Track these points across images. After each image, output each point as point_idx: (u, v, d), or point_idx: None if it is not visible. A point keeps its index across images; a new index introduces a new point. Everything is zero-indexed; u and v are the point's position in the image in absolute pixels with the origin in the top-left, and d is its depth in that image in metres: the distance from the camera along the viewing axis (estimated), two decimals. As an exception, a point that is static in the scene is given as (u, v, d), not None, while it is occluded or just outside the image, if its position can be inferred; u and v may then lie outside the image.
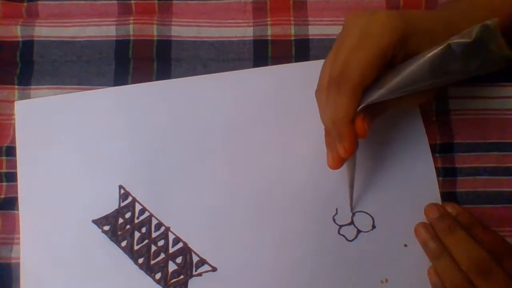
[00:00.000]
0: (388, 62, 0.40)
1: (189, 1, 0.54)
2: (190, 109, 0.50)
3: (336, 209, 0.48)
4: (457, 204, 0.46)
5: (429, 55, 0.38)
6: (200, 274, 0.47)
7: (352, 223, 0.48)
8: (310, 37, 0.53)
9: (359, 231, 0.47)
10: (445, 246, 0.43)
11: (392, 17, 0.39)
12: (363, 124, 0.40)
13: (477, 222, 0.44)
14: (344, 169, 0.44)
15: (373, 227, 0.47)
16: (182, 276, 0.47)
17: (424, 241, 0.45)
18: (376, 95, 0.39)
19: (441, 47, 0.37)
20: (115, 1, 0.54)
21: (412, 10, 0.46)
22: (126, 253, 0.47)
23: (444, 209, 0.45)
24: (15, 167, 0.50)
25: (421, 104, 0.50)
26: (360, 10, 0.41)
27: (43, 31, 0.53)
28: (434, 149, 0.50)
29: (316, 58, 0.52)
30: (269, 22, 0.53)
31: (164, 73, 0.52)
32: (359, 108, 0.39)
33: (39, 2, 0.54)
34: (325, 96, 0.41)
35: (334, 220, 0.48)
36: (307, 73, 0.51)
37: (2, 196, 0.50)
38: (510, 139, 0.50)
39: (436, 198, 0.48)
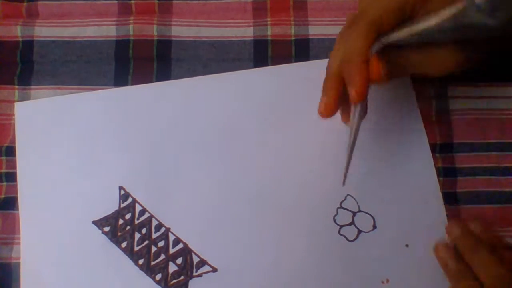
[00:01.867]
0: (407, 18, 0.39)
1: (189, 1, 0.54)
2: (190, 110, 0.50)
3: (337, 209, 0.48)
4: (480, 221, 0.45)
5: (451, 9, 0.37)
6: (200, 275, 0.47)
7: (352, 223, 0.48)
8: (310, 37, 0.53)
9: (359, 231, 0.47)
10: (467, 264, 0.42)
11: None
12: (378, 65, 0.38)
13: (500, 241, 0.44)
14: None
15: (374, 227, 0.47)
16: (182, 277, 0.47)
17: (445, 262, 0.44)
18: (393, 37, 0.38)
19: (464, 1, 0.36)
20: (115, 1, 0.54)
21: None
22: (126, 254, 0.47)
23: (466, 226, 0.44)
24: (15, 167, 0.50)
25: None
26: None
27: (43, 31, 0.53)
28: (434, 149, 0.50)
29: (316, 58, 0.52)
30: (269, 22, 0.53)
31: (164, 73, 0.52)
32: (375, 47, 0.38)
33: (39, 2, 0.54)
34: (339, 37, 0.40)
35: (334, 220, 0.48)
36: (307, 73, 0.51)
37: (2, 196, 0.50)
38: (510, 139, 0.50)
39: (437, 198, 0.48)
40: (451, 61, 0.41)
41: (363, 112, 0.41)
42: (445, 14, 0.37)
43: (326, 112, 0.41)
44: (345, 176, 0.44)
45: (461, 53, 0.40)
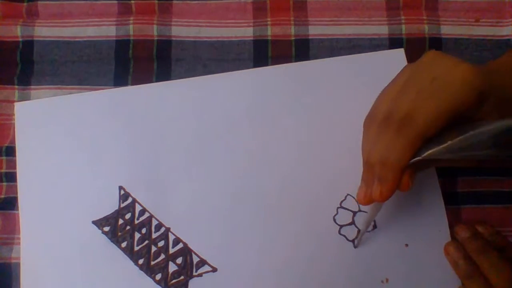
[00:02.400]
0: (455, 121, 0.37)
1: (189, 1, 0.54)
2: (190, 110, 0.50)
3: (337, 209, 0.48)
4: (489, 225, 0.45)
5: (495, 125, 0.35)
6: (200, 275, 0.47)
7: (353, 223, 0.48)
8: (310, 37, 0.53)
9: (359, 231, 0.47)
10: (477, 266, 0.42)
11: (477, 75, 0.36)
12: (408, 180, 0.38)
13: (508, 243, 0.44)
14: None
15: (374, 227, 0.47)
16: (182, 277, 0.47)
17: (455, 260, 0.44)
18: (434, 151, 0.37)
19: (509, 121, 0.35)
20: (115, 1, 0.54)
21: (496, 65, 0.42)
22: (126, 254, 0.47)
23: (475, 229, 0.45)
24: (15, 167, 0.50)
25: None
26: (443, 53, 0.38)
27: (43, 31, 0.53)
28: (434, 149, 0.50)
29: (316, 58, 0.52)
30: (269, 22, 0.53)
31: (164, 73, 0.52)
32: (414, 160, 0.37)
33: (39, 2, 0.54)
34: (377, 130, 0.38)
35: (334, 220, 0.48)
36: (307, 73, 0.51)
37: (2, 196, 0.50)
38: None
39: (437, 198, 0.48)
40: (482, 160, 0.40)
41: (380, 206, 0.43)
42: (500, 124, 0.36)
43: (366, 200, 0.41)
44: (359, 241, 0.47)
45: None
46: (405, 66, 0.41)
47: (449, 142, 0.36)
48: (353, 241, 0.47)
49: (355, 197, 0.48)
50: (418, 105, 0.36)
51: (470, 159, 0.39)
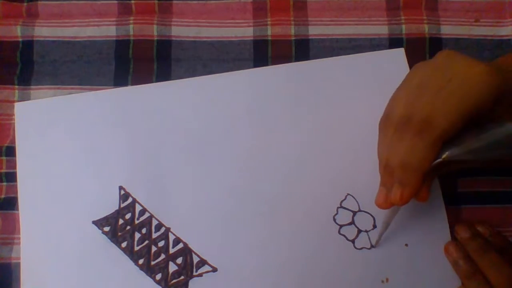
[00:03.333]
0: (471, 122, 0.37)
1: (189, 1, 0.54)
2: (190, 109, 0.50)
3: (337, 209, 0.48)
4: (489, 225, 0.46)
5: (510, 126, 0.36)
6: (200, 275, 0.47)
7: (353, 222, 0.48)
8: (310, 37, 0.53)
9: (360, 231, 0.47)
10: (477, 266, 0.43)
11: (494, 76, 0.36)
12: (426, 191, 0.39)
13: (508, 243, 0.44)
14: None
15: (374, 226, 0.47)
16: (182, 277, 0.47)
17: (455, 260, 0.44)
18: (455, 152, 0.37)
19: None
20: (115, 1, 0.54)
21: (506, 62, 0.41)
22: (126, 254, 0.47)
23: (475, 229, 0.45)
24: (15, 167, 0.50)
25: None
26: (457, 52, 0.38)
27: (43, 31, 0.53)
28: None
29: (316, 58, 0.52)
30: (269, 22, 0.53)
31: (164, 73, 0.52)
32: (435, 162, 0.37)
33: (39, 2, 0.54)
34: (395, 134, 0.38)
35: (334, 220, 0.48)
36: (307, 73, 0.51)
37: (2, 196, 0.50)
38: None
39: (437, 198, 0.48)
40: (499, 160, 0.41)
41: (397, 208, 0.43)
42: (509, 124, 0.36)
43: (387, 205, 0.41)
44: (377, 241, 0.46)
45: None
46: (416, 65, 0.40)
47: (470, 143, 0.36)
48: (353, 240, 0.47)
49: (355, 197, 0.48)
50: (437, 107, 0.36)
51: (489, 160, 0.40)
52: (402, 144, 0.38)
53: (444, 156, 0.37)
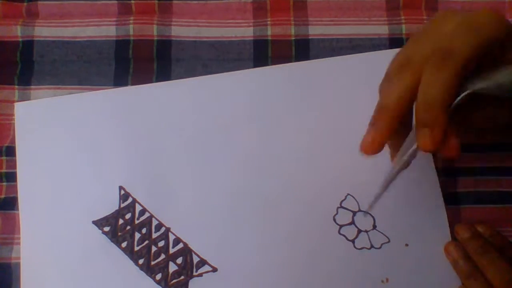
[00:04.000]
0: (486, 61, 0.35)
1: (189, 1, 0.54)
2: (190, 110, 0.50)
3: (337, 209, 0.48)
4: (489, 225, 0.46)
5: None
6: (200, 275, 0.47)
7: (352, 223, 0.48)
8: (310, 37, 0.53)
9: (359, 231, 0.47)
10: (477, 266, 0.43)
11: (499, 16, 0.35)
12: (456, 141, 0.36)
13: (509, 243, 0.44)
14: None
15: (374, 227, 0.47)
16: (182, 277, 0.47)
17: (455, 260, 0.44)
18: (482, 85, 0.35)
19: None
20: (115, 1, 0.54)
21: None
22: (126, 254, 0.47)
23: (475, 229, 0.45)
24: (15, 167, 0.50)
25: None
26: (454, 10, 0.38)
27: (43, 31, 0.53)
28: (434, 149, 0.50)
29: (316, 58, 0.52)
30: (269, 22, 0.53)
31: (164, 73, 0.52)
32: (462, 95, 0.35)
33: (39, 2, 0.54)
34: (401, 70, 0.36)
35: (334, 220, 0.48)
36: (307, 73, 0.51)
37: (2, 196, 0.50)
38: (510, 140, 0.50)
39: (437, 198, 0.48)
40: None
41: (407, 163, 0.39)
42: None
43: (373, 147, 0.37)
44: (372, 205, 0.42)
45: None
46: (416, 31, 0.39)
47: (495, 77, 0.35)
48: (353, 241, 0.47)
49: (355, 197, 0.48)
50: (457, 35, 0.34)
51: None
52: (412, 78, 0.35)
53: (472, 88, 0.35)
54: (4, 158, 0.51)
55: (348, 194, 0.48)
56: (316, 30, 0.53)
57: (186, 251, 0.47)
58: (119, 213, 0.48)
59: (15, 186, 0.49)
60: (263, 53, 0.52)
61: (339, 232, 0.47)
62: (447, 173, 0.49)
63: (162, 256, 0.47)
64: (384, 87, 0.38)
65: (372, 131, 0.37)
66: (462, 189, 0.49)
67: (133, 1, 0.54)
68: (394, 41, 0.52)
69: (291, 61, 0.52)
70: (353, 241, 0.47)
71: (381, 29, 0.52)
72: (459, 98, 0.35)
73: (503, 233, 0.47)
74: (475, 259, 0.43)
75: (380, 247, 0.47)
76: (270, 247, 0.47)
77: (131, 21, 0.53)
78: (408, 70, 0.36)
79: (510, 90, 0.35)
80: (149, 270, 0.47)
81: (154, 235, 0.48)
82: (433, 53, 0.35)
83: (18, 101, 0.51)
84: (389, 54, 0.51)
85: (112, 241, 0.48)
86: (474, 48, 0.34)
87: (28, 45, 0.53)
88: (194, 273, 0.47)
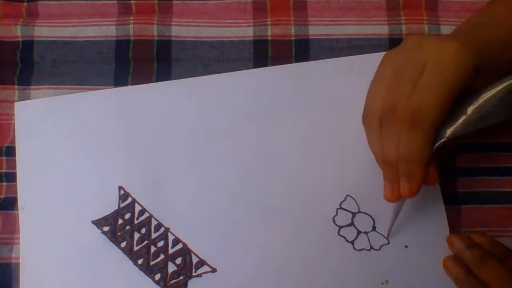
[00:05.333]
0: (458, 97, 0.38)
1: (189, 1, 0.54)
2: (190, 109, 0.50)
3: (336, 210, 0.48)
4: (486, 233, 0.45)
5: (502, 86, 0.37)
6: (199, 275, 0.47)
7: (352, 224, 0.48)
8: (310, 37, 0.53)
9: (359, 232, 0.47)
10: (478, 277, 0.42)
11: (465, 52, 0.37)
12: (434, 172, 0.39)
13: (507, 251, 0.43)
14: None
15: (374, 228, 0.47)
16: (181, 277, 0.47)
17: (456, 275, 0.43)
18: (455, 129, 0.38)
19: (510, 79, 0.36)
20: (115, 1, 0.54)
21: (477, 32, 0.42)
22: (125, 254, 0.47)
23: (471, 240, 0.44)
24: (15, 167, 0.50)
25: None
26: (425, 35, 0.40)
27: (43, 31, 0.53)
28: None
29: (316, 58, 0.52)
30: (269, 22, 0.53)
31: (164, 73, 0.52)
32: (438, 144, 0.38)
33: (39, 2, 0.54)
34: (381, 128, 0.39)
35: (334, 221, 0.48)
36: (307, 73, 0.51)
37: (2, 196, 0.50)
38: (510, 139, 0.50)
39: (437, 198, 0.48)
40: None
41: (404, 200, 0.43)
42: (507, 83, 0.37)
43: (395, 198, 0.42)
44: (389, 232, 0.47)
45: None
46: (386, 56, 0.41)
47: (466, 116, 0.37)
48: (352, 242, 0.47)
49: (354, 198, 0.48)
50: (421, 98, 0.37)
51: (487, 128, 0.39)
52: (395, 137, 0.38)
53: (447, 135, 0.38)
54: (4, 158, 0.51)
55: (348, 195, 0.48)
56: (316, 30, 0.53)
57: (185, 251, 0.47)
58: (118, 213, 0.48)
59: (15, 186, 0.49)
60: (263, 53, 0.52)
61: (338, 233, 0.47)
62: (447, 173, 0.49)
63: (161, 256, 0.47)
64: (374, 142, 0.42)
65: (409, 182, 0.40)
66: (462, 189, 0.49)
67: (133, 1, 0.54)
68: (394, 41, 0.52)
69: (291, 61, 0.52)
70: (352, 242, 0.47)
71: (381, 29, 0.52)
72: (436, 145, 0.38)
73: (503, 233, 0.47)
74: (475, 270, 0.42)
75: (379, 249, 0.47)
76: (269, 247, 0.47)
77: (131, 21, 0.53)
78: (390, 125, 0.39)
79: (480, 125, 0.38)
80: (148, 270, 0.47)
81: (154, 235, 0.48)
82: (398, 112, 0.37)
83: (18, 101, 0.52)
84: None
85: (111, 241, 0.48)
86: (443, 104, 0.37)
87: (28, 45, 0.53)
88: (193, 273, 0.47)
